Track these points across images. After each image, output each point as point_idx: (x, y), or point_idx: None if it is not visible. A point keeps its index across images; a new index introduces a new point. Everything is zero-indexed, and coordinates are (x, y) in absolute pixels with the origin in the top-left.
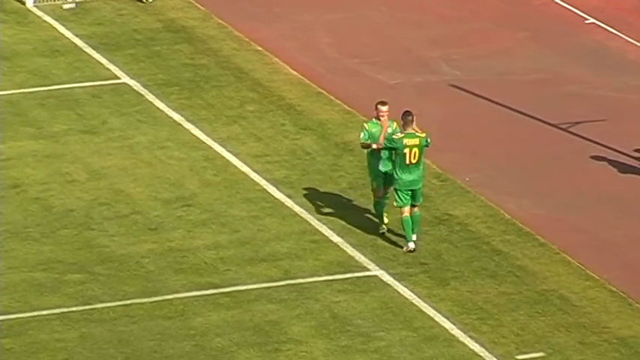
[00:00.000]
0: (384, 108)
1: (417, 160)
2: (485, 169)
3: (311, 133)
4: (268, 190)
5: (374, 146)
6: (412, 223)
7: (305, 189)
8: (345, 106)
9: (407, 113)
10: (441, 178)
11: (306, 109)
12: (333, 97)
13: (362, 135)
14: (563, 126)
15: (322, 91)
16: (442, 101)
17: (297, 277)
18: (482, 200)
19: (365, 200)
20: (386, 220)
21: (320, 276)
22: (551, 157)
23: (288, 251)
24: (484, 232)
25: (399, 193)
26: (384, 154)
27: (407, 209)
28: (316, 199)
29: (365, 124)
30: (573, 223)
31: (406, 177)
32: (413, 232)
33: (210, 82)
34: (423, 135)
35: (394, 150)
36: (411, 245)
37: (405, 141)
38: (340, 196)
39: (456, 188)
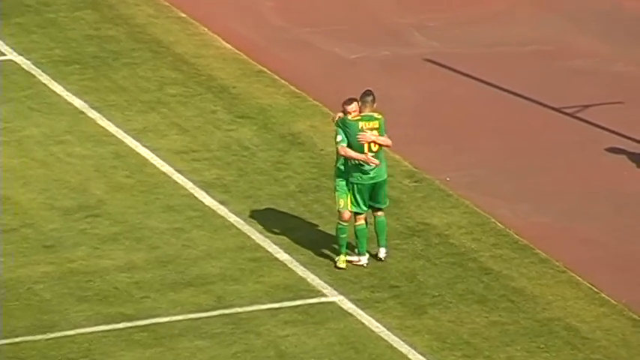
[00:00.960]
0: (351, 106)
1: (377, 149)
2: (471, 166)
3: (250, 123)
4: (196, 195)
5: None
6: (377, 232)
7: (243, 193)
8: (293, 88)
9: (366, 93)
10: (414, 178)
11: (244, 92)
12: (277, 77)
13: (338, 137)
14: (570, 110)
15: (264, 68)
16: (416, 80)
17: (234, 306)
18: (467, 205)
19: (320, 207)
20: (364, 260)
21: (262, 303)
22: (555, 149)
23: (221, 272)
24: (470, 245)
25: (355, 194)
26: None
27: (362, 216)
28: (257, 206)
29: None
30: (583, 233)
31: (363, 171)
32: (379, 245)
33: (120, 59)
34: (381, 117)
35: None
36: (364, 260)
37: (361, 124)
38: (288, 201)
39: (434, 190)
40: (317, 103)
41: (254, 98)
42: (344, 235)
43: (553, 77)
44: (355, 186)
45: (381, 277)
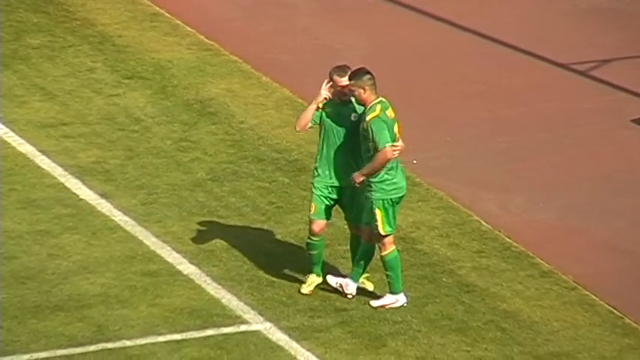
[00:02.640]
0: (345, 79)
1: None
2: (445, 145)
3: (142, 86)
4: (67, 185)
5: None
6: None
7: (132, 183)
8: (202, 37)
9: (365, 72)
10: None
11: (133, 44)
12: (179, 22)
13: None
14: (582, 67)
15: (161, 10)
16: (367, 25)
17: (120, 338)
18: (440, 198)
19: (239, 201)
20: (403, 300)
21: (160, 334)
22: (561, 121)
23: (102, 292)
24: (445, 253)
25: (391, 211)
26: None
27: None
28: (153, 199)
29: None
30: (600, 235)
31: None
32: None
33: None
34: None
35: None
36: (402, 299)
37: (397, 127)
38: (195, 193)
39: None
40: (234, 57)
41: (148, 52)
42: (315, 252)
43: (558, 21)
44: (391, 201)
45: (324, 297)
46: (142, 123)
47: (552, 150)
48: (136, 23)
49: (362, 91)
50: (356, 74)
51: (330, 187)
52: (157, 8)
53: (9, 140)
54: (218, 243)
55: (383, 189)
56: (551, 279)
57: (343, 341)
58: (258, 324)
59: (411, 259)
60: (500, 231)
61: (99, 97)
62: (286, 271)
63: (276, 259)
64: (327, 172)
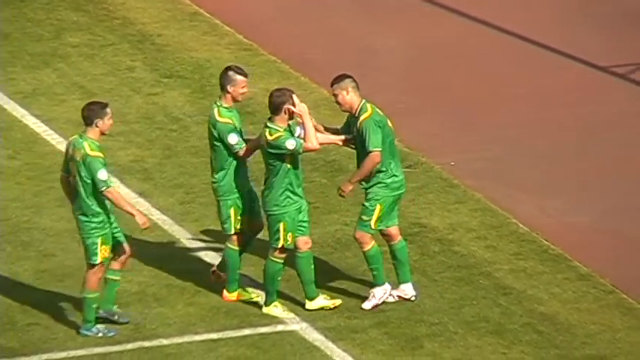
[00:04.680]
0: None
1: None
2: (484, 147)
3: (180, 85)
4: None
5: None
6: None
7: (170, 182)
8: (240, 37)
9: (348, 77)
10: (406, 162)
11: (173, 43)
12: (218, 21)
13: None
14: (621, 70)
15: (200, 9)
16: (407, 27)
17: (157, 336)
18: (478, 200)
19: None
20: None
21: (196, 333)
22: (600, 124)
23: (140, 290)
24: (482, 255)
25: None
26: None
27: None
28: (190, 198)
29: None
30: (637, 239)
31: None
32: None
33: None
34: None
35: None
36: (410, 291)
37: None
38: None
39: (434, 179)
40: (273, 57)
41: (187, 51)
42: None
43: (598, 24)
44: (393, 198)
45: (361, 298)
46: (180, 122)
47: (591, 152)
48: (176, 22)
49: (344, 93)
50: (337, 79)
51: None
52: (197, 7)
53: (48, 138)
54: (256, 242)
55: (388, 185)
56: (588, 282)
57: (379, 342)
58: (294, 324)
59: (448, 260)
60: (537, 233)
61: (138, 96)
62: (323, 271)
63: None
64: None
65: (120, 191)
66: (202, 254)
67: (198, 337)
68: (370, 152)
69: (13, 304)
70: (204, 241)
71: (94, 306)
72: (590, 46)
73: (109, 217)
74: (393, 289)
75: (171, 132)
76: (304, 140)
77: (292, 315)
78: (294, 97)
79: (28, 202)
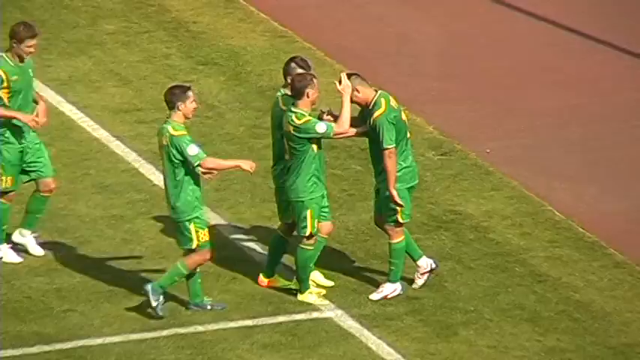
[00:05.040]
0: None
1: None
2: (520, 134)
3: (216, 72)
4: (142, 170)
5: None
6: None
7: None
8: (275, 24)
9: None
10: (442, 150)
11: (208, 30)
12: (254, 8)
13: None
14: None
15: None
16: (442, 14)
17: (192, 323)
18: (514, 187)
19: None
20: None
21: (232, 320)
22: (634, 112)
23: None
24: (518, 242)
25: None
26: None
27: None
28: (226, 185)
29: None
30: None
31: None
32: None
33: None
34: None
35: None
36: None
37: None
38: (268, 180)
39: (469, 167)
40: (308, 44)
41: (222, 38)
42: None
43: (634, 10)
44: (409, 189)
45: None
46: (215, 109)
47: (627, 140)
48: (211, 9)
49: (356, 92)
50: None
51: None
52: None
53: (84, 125)
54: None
55: (402, 177)
56: (624, 269)
57: (414, 329)
58: (329, 311)
59: (483, 248)
60: (573, 221)
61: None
62: (358, 258)
63: (347, 246)
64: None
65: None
66: (237, 241)
67: (233, 324)
68: (385, 150)
69: (50, 291)
70: (238, 228)
71: (177, 279)
72: (627, 33)
73: (200, 203)
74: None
75: (207, 119)
76: (338, 123)
77: (327, 302)
78: (342, 75)
79: (63, 189)
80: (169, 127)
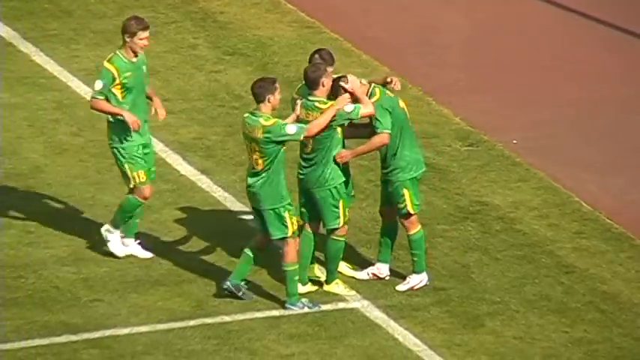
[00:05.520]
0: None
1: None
2: (546, 125)
3: (243, 62)
4: (168, 160)
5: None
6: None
7: (233, 159)
8: (303, 15)
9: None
10: (468, 141)
11: (235, 20)
12: None
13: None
14: None
15: None
16: (469, 4)
17: (219, 313)
18: (540, 178)
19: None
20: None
21: (258, 310)
22: None
23: (202, 267)
24: (545, 233)
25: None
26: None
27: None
28: (243, 176)
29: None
30: None
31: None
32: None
33: None
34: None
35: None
36: (385, 271)
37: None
38: (294, 169)
39: (496, 158)
40: (335, 35)
41: (249, 28)
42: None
43: None
44: (416, 179)
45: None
46: (242, 100)
47: None
48: (238, 0)
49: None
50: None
51: None
52: None
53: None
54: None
55: (406, 167)
56: None
57: (441, 320)
58: (355, 302)
59: (509, 239)
60: (600, 212)
61: (200, 74)
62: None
63: (373, 237)
64: None
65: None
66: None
67: (259, 314)
68: (378, 132)
69: (77, 281)
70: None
71: (296, 278)
72: None
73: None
74: (368, 266)
75: (234, 109)
76: (364, 106)
77: (354, 292)
78: (348, 76)
79: (91, 179)
80: (261, 120)
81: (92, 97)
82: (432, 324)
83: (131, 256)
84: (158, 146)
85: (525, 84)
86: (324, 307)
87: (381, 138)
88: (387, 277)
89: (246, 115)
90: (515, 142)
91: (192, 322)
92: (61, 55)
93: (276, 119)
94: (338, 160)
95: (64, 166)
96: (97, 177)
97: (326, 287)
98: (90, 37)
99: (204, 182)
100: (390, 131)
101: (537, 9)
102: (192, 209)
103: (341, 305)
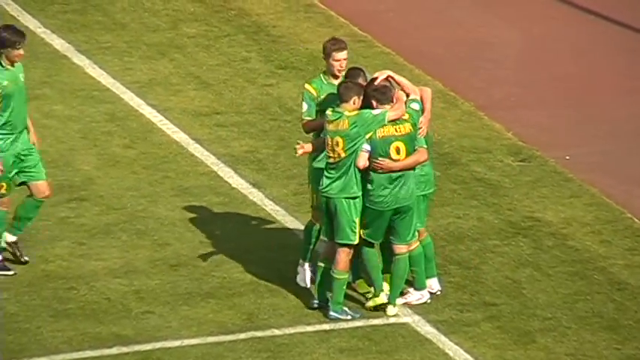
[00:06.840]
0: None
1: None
2: (599, 141)
3: (295, 76)
4: (220, 173)
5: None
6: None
7: (284, 173)
8: (355, 29)
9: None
10: (521, 156)
11: (287, 34)
12: (333, 13)
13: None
14: None
15: (315, 0)
16: (522, 19)
17: (269, 327)
18: (593, 194)
19: None
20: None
21: (308, 324)
22: None
23: (253, 281)
24: (597, 250)
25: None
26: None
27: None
28: (304, 189)
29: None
30: None
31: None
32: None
33: None
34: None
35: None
36: (436, 285)
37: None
38: None
39: (548, 173)
40: (387, 49)
41: (302, 42)
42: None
43: None
44: (425, 197)
45: (473, 292)
46: (294, 113)
47: None
48: (291, 14)
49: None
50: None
51: None
52: None
53: (163, 128)
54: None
55: (418, 184)
56: None
57: (492, 336)
58: (406, 316)
59: (562, 255)
60: None
61: (252, 87)
62: (435, 264)
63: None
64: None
65: (232, 182)
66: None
67: (310, 328)
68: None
69: (128, 293)
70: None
71: (344, 287)
72: None
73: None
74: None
75: (286, 123)
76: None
77: (405, 308)
78: (376, 74)
79: (143, 192)
80: (345, 112)
81: None
82: (483, 339)
83: (183, 268)
84: (209, 159)
85: (578, 100)
86: (375, 322)
87: (422, 154)
88: (439, 292)
89: (328, 112)
90: (567, 157)
91: (242, 336)
92: (114, 67)
93: (357, 111)
94: (378, 166)
95: (117, 178)
96: (149, 189)
97: (372, 302)
98: (143, 49)
99: (255, 196)
100: (426, 147)
101: (590, 24)
102: (243, 222)
103: (392, 320)
